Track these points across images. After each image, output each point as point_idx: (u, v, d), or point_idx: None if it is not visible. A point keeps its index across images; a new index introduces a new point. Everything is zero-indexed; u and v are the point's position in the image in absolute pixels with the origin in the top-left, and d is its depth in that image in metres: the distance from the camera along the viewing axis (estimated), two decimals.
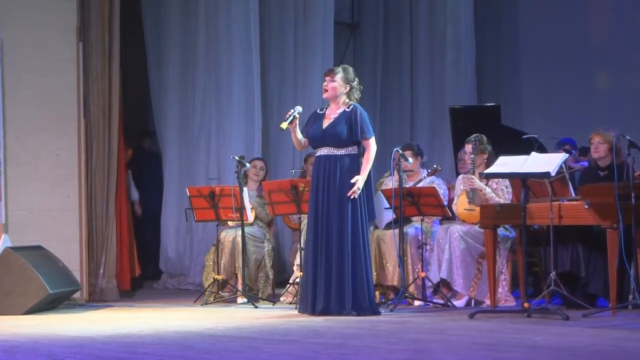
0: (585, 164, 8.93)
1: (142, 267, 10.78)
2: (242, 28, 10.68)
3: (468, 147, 8.40)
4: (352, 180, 7.53)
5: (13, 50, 9.08)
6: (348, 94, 7.72)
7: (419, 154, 8.91)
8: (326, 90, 7.72)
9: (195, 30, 10.83)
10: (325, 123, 7.71)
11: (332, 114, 7.72)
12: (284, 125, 7.65)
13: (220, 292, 8.94)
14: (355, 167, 7.60)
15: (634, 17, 11.37)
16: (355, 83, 7.74)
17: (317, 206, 7.64)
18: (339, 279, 7.48)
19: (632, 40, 11.34)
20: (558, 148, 9.22)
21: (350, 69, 7.80)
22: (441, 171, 9.00)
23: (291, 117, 7.65)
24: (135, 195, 11.05)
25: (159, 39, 11.06)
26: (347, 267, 7.49)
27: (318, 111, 7.85)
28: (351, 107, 7.68)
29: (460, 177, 8.64)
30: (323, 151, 7.70)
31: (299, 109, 7.72)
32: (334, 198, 7.57)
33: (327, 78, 7.72)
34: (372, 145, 7.64)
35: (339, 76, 7.70)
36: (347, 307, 7.45)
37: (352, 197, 7.51)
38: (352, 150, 7.66)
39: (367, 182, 7.62)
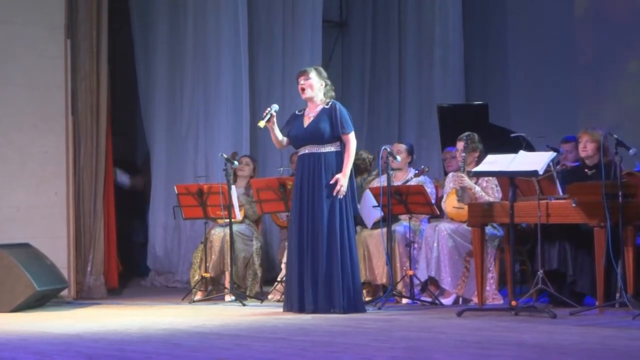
0: None
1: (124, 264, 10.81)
2: (231, 26, 10.67)
3: (459, 145, 8.40)
4: (332, 181, 7.51)
5: (0, 46, 9.05)
6: (324, 92, 7.72)
7: (411, 153, 8.92)
8: (303, 90, 7.71)
9: (183, 28, 10.81)
10: (306, 122, 7.72)
11: (311, 113, 7.72)
12: (262, 123, 7.68)
13: (208, 289, 8.94)
14: (339, 164, 7.60)
15: (620, 17, 11.39)
16: (329, 82, 7.76)
17: (302, 205, 7.63)
18: (328, 277, 7.48)
19: (618, 40, 11.37)
20: (560, 144, 9.20)
21: (322, 69, 7.84)
22: (428, 171, 9.00)
23: (268, 115, 7.67)
24: (123, 179, 11.09)
25: (147, 37, 11.03)
26: (336, 265, 7.49)
27: (297, 112, 7.86)
28: (330, 103, 7.70)
29: (450, 175, 8.65)
30: (306, 149, 7.70)
31: (275, 107, 7.75)
32: (319, 196, 7.56)
33: (302, 78, 7.72)
34: (351, 140, 7.65)
35: (313, 74, 7.71)
36: (336, 304, 7.45)
37: (339, 196, 7.51)
38: (335, 147, 7.67)
39: (349, 176, 7.62)
